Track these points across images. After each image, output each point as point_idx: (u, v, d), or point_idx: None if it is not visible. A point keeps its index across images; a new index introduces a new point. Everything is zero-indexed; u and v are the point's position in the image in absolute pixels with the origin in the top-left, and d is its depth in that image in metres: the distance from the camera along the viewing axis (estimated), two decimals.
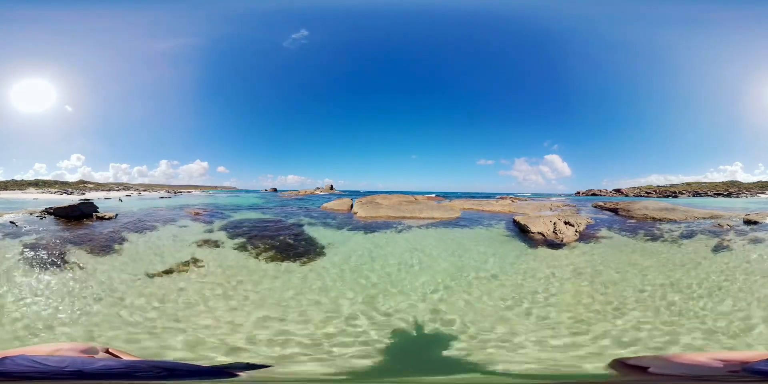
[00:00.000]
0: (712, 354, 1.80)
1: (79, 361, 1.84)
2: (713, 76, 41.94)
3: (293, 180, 56.90)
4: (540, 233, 10.23)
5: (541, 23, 38.23)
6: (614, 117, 49.71)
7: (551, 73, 48.35)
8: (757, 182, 50.34)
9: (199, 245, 9.14)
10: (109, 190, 49.02)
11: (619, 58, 41.99)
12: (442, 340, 4.75)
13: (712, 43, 36.90)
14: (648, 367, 2.00)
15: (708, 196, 43.74)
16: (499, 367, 4.04)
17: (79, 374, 1.72)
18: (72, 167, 49.70)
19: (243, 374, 2.31)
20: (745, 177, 48.25)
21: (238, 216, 14.64)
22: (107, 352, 2.27)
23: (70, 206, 11.79)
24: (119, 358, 2.22)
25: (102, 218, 11.95)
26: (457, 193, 56.22)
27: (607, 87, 47.00)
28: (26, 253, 7.64)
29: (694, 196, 44.80)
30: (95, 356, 2.07)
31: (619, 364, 2.25)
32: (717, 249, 8.51)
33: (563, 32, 39.01)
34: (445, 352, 4.47)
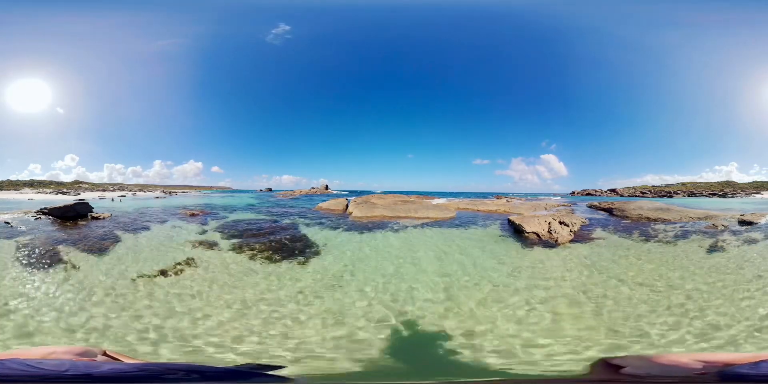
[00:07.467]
0: (696, 355, 1.73)
1: (82, 364, 1.71)
2: (710, 77, 42.33)
3: (288, 180, 56.87)
4: (535, 233, 10.27)
5: (541, 22, 38.41)
6: (611, 117, 50.11)
7: (551, 73, 48.60)
8: (752, 182, 50.69)
9: (193, 246, 9.11)
10: (104, 190, 48.70)
11: (618, 59, 42.32)
12: (435, 342, 4.77)
13: (710, 46, 37.22)
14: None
15: (703, 196, 44.01)
16: (495, 368, 4.06)
17: (89, 378, 1.60)
18: (67, 167, 49.51)
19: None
20: (740, 177, 48.66)
21: (233, 216, 14.63)
22: (105, 354, 2.12)
23: (65, 206, 11.76)
24: (119, 361, 2.09)
25: (97, 218, 11.92)
26: (453, 192, 56.26)
27: (605, 87, 47.31)
28: (20, 253, 7.61)
29: (689, 196, 45.07)
30: (95, 359, 1.95)
31: (603, 363, 2.19)
32: (711, 250, 8.57)
33: (563, 32, 39.26)
34: (438, 354, 4.50)
